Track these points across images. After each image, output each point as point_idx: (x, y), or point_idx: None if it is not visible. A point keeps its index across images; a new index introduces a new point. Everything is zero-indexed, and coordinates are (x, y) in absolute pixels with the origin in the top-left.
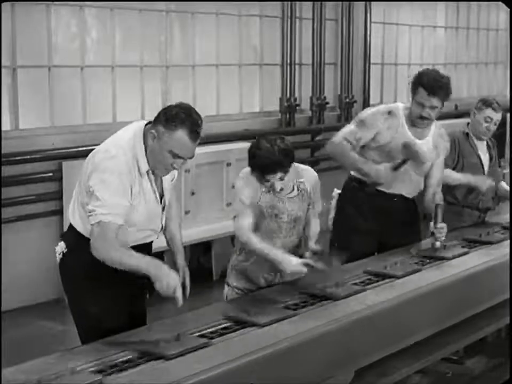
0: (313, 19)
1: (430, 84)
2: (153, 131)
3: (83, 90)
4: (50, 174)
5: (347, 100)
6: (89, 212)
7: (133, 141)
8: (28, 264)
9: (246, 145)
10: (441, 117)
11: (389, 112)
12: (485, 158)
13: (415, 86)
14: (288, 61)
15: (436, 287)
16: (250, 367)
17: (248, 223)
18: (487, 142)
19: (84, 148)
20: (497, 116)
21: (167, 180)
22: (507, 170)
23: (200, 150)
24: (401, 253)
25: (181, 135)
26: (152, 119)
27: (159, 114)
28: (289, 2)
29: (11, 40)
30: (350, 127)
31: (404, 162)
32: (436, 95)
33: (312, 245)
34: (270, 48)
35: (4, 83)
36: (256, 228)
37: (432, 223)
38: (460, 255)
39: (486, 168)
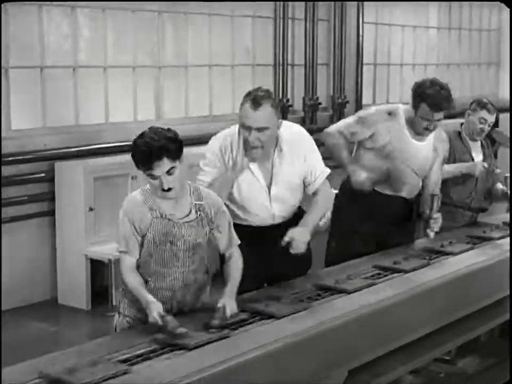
0: (305, 19)
1: (434, 101)
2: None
3: (75, 91)
4: (43, 175)
5: (339, 100)
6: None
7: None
8: (20, 265)
9: None
10: None
11: (390, 113)
12: (478, 157)
13: (417, 101)
14: (281, 62)
15: (428, 288)
16: (243, 368)
17: (130, 262)
18: (481, 142)
19: (76, 149)
20: (491, 118)
21: (285, 172)
22: (500, 170)
23: (193, 150)
24: (394, 253)
25: (245, 106)
26: (144, 119)
27: None
28: (281, 3)
29: (3, 41)
30: (347, 120)
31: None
32: (441, 110)
33: (228, 311)
34: (263, 48)
35: None
36: (149, 257)
37: (427, 212)
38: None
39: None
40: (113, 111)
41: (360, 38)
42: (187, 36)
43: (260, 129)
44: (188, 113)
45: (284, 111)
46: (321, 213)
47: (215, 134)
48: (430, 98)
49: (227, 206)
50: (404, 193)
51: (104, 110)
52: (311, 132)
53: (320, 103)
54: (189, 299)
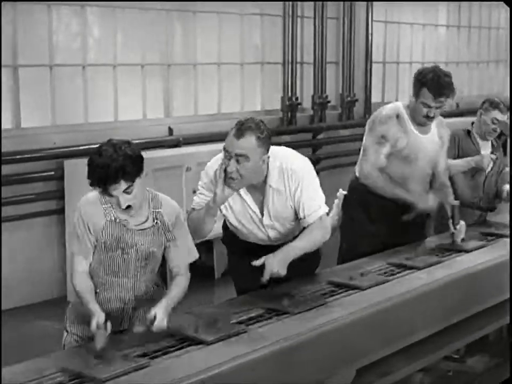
0: (314, 18)
1: (435, 86)
2: None
3: (85, 89)
4: (52, 173)
5: (348, 99)
6: None
7: None
8: (28, 263)
9: None
10: (442, 116)
11: (397, 116)
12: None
13: (418, 87)
14: (290, 60)
15: (437, 286)
16: (251, 366)
17: (83, 265)
18: (491, 142)
19: (85, 147)
20: (503, 118)
21: (276, 206)
22: (508, 169)
23: (201, 148)
24: (406, 251)
25: (230, 133)
26: (153, 118)
27: None
28: (290, 1)
29: (13, 40)
30: (373, 151)
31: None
32: (442, 96)
33: (155, 325)
34: (272, 46)
35: (6, 82)
36: (99, 264)
37: (450, 224)
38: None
39: (488, 167)
40: (122, 109)
41: (369, 36)
42: (196, 34)
43: (239, 159)
44: (196, 111)
45: (293, 110)
46: (310, 243)
47: (223, 131)
48: (432, 84)
49: (226, 228)
50: (419, 190)
51: (113, 108)
52: (319, 130)
53: (329, 101)
54: (141, 313)
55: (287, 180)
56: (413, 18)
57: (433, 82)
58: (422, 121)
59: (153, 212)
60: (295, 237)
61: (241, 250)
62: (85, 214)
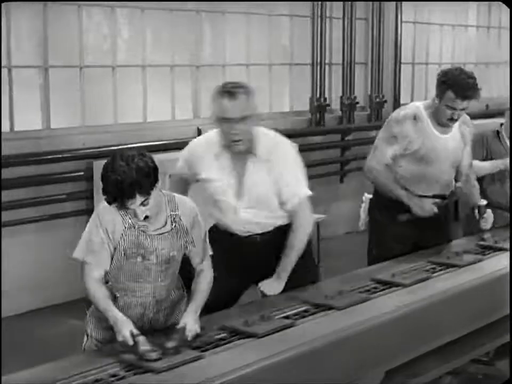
0: (343, 19)
1: (460, 88)
2: None
3: (114, 90)
4: (81, 173)
5: (377, 100)
6: None
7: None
8: (57, 263)
9: None
10: (472, 117)
11: (415, 117)
12: None
13: (442, 89)
14: (318, 61)
15: (466, 288)
16: (279, 367)
17: (97, 274)
18: None
19: (115, 148)
20: None
21: (256, 183)
22: None
23: None
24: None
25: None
26: (181, 118)
27: None
28: (319, 2)
29: (43, 41)
30: (382, 148)
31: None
32: (468, 98)
33: (188, 332)
34: (300, 47)
35: (36, 83)
36: (119, 270)
37: (476, 212)
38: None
39: None
40: (151, 110)
41: (399, 37)
42: (225, 35)
43: (238, 121)
44: None
45: (321, 111)
46: (299, 248)
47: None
48: (457, 86)
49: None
50: (436, 192)
51: (142, 109)
52: (348, 131)
53: (357, 102)
54: (161, 317)
55: (275, 150)
56: (442, 19)
57: (458, 85)
58: (445, 124)
59: (170, 215)
60: (275, 230)
61: (223, 244)
62: (104, 222)
